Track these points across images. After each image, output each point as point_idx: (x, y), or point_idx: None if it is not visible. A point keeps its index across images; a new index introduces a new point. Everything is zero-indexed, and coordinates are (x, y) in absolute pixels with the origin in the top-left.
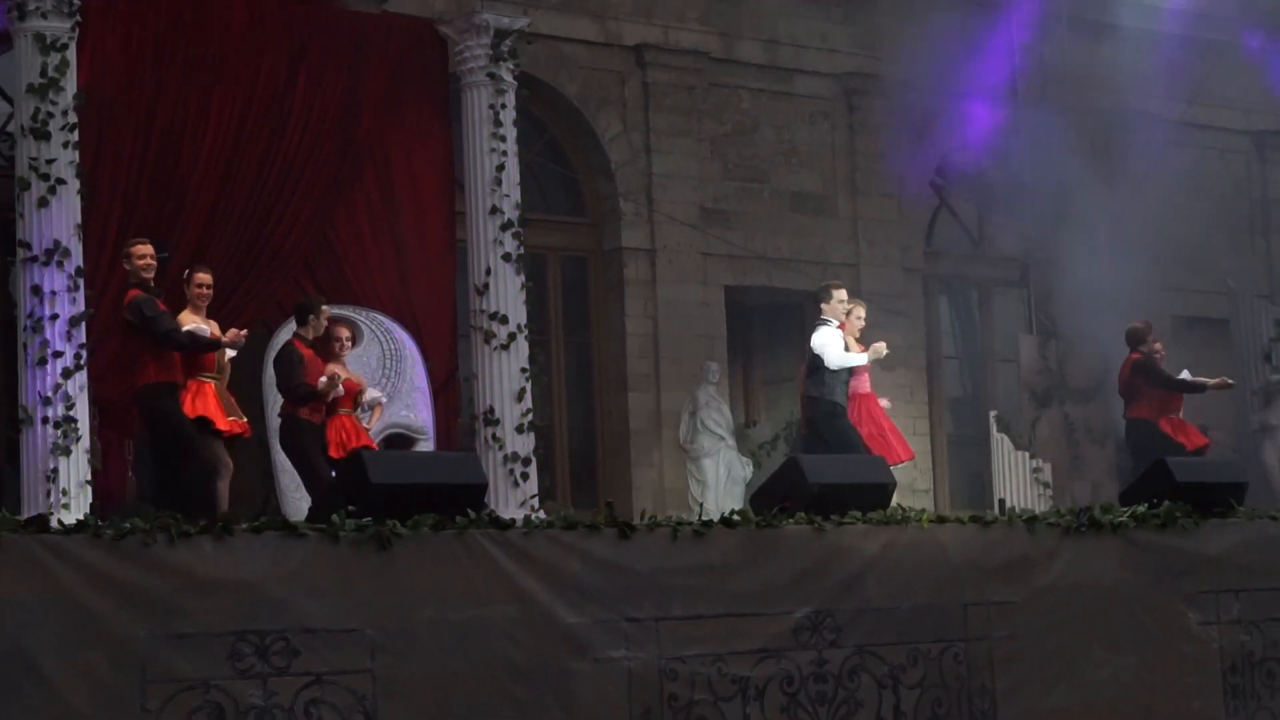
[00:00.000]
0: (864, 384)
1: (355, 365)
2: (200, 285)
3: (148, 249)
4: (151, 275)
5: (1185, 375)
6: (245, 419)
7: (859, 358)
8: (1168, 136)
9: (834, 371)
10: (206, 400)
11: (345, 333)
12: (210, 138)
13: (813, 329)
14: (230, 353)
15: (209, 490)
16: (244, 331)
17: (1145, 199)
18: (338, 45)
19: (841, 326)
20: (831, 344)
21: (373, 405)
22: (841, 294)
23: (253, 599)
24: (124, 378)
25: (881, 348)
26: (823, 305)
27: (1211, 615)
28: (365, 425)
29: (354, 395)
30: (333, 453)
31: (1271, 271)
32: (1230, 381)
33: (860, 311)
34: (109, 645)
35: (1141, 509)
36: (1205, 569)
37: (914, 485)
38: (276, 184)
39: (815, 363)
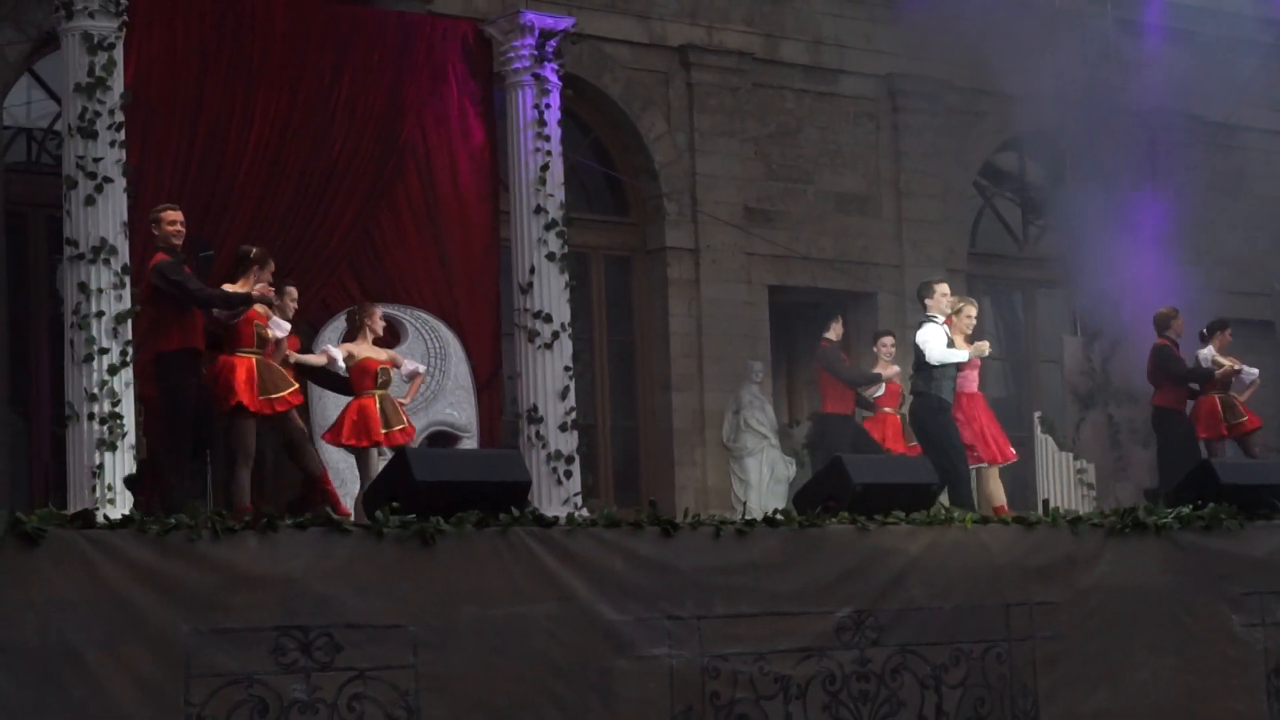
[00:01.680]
0: (970, 382)
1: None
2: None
3: (177, 215)
4: (180, 242)
5: (1205, 358)
6: (293, 388)
7: (961, 354)
8: (1212, 138)
9: (940, 367)
10: (238, 378)
11: (377, 313)
12: (254, 137)
13: (917, 325)
14: (278, 332)
15: (229, 477)
16: (270, 288)
17: (1189, 201)
18: (381, 46)
19: (948, 322)
20: (933, 339)
21: (412, 377)
22: (944, 288)
23: (296, 594)
24: (148, 341)
25: (984, 346)
26: (926, 301)
27: (1255, 617)
28: (403, 400)
29: (374, 374)
30: (349, 439)
31: None
32: (1238, 367)
33: (971, 310)
34: (153, 640)
35: (1186, 510)
36: (1249, 571)
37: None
38: (320, 184)
39: (919, 358)
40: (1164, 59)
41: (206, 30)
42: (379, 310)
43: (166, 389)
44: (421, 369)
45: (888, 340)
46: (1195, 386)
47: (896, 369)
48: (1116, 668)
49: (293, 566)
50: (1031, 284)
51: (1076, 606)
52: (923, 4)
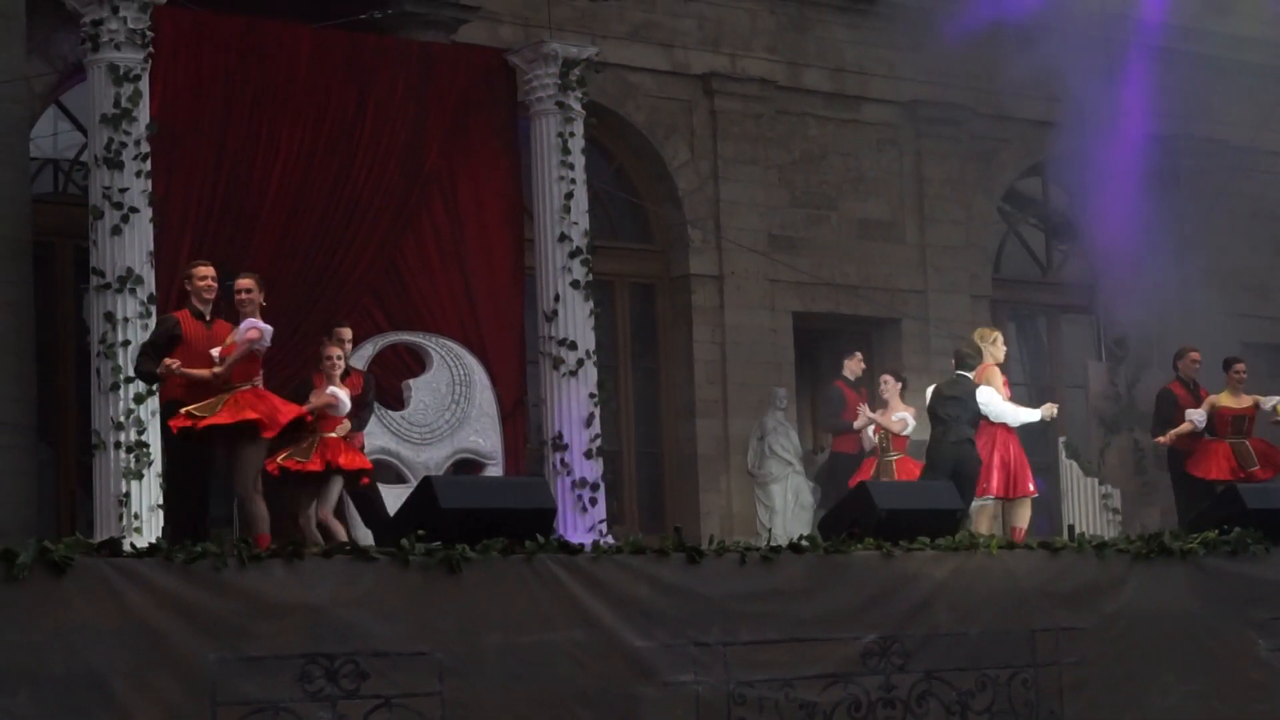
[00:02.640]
0: None
1: (426, 391)
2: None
3: (208, 271)
4: (211, 297)
5: (1195, 419)
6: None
7: (1033, 414)
8: (1236, 163)
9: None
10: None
11: (336, 351)
12: (279, 167)
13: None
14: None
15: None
16: (176, 363)
17: (1213, 225)
18: (406, 76)
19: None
20: (994, 401)
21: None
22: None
23: (322, 622)
24: None
25: (1053, 409)
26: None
27: None
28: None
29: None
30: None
31: None
32: (1258, 404)
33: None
34: (179, 668)
35: (1212, 535)
36: (1275, 596)
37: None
38: (345, 213)
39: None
40: (1186, 84)
41: (231, 61)
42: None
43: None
44: (335, 400)
45: (888, 379)
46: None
47: (870, 418)
48: (1142, 693)
49: (319, 594)
50: (1055, 309)
51: (1102, 632)
52: (949, 30)
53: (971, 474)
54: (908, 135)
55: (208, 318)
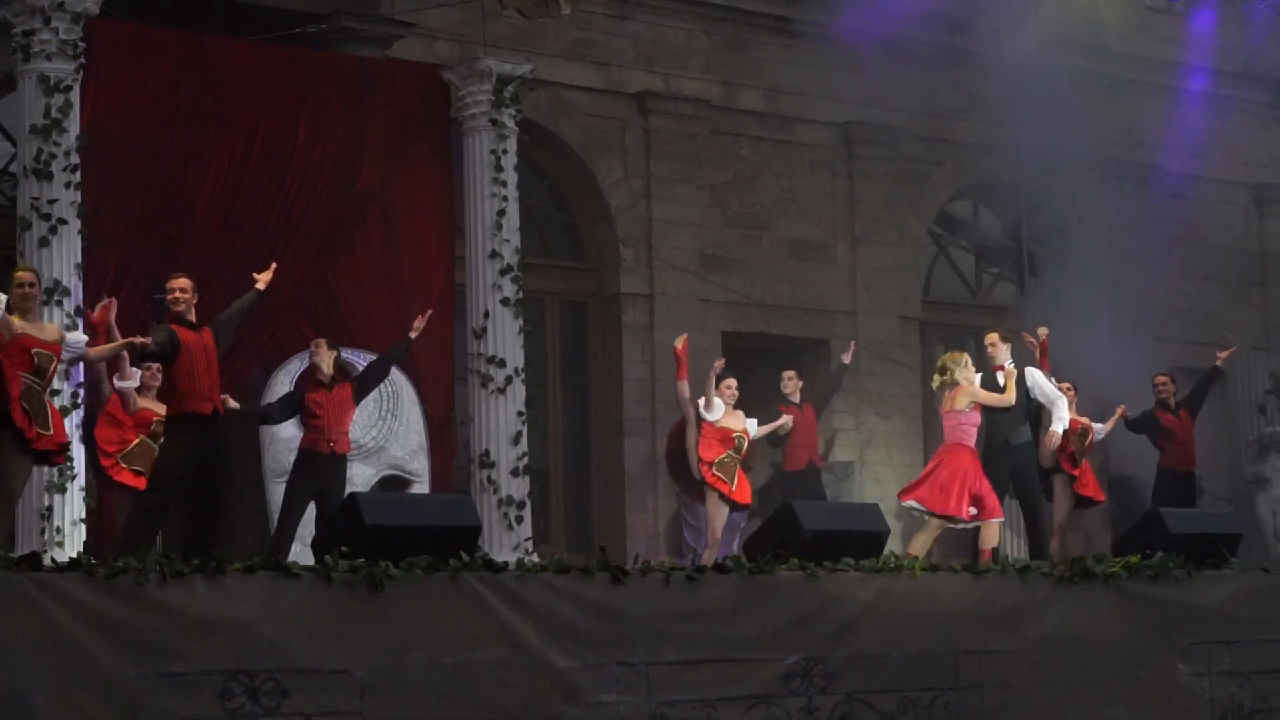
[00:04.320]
0: (957, 433)
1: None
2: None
3: (177, 283)
4: (182, 309)
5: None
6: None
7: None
8: (1168, 188)
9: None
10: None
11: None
12: (212, 181)
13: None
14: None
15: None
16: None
17: (1144, 250)
18: (340, 91)
19: (999, 368)
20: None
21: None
22: (989, 336)
23: (244, 639)
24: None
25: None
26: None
27: (1203, 667)
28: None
29: None
30: None
31: (1268, 324)
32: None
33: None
34: (100, 684)
35: (1134, 559)
36: (1197, 620)
37: (907, 533)
38: (278, 228)
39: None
40: (1122, 110)
41: (165, 73)
42: None
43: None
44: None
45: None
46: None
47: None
48: (1065, 716)
49: (241, 610)
50: (984, 332)
51: (1025, 655)
52: (880, 53)
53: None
54: (840, 157)
55: (197, 325)
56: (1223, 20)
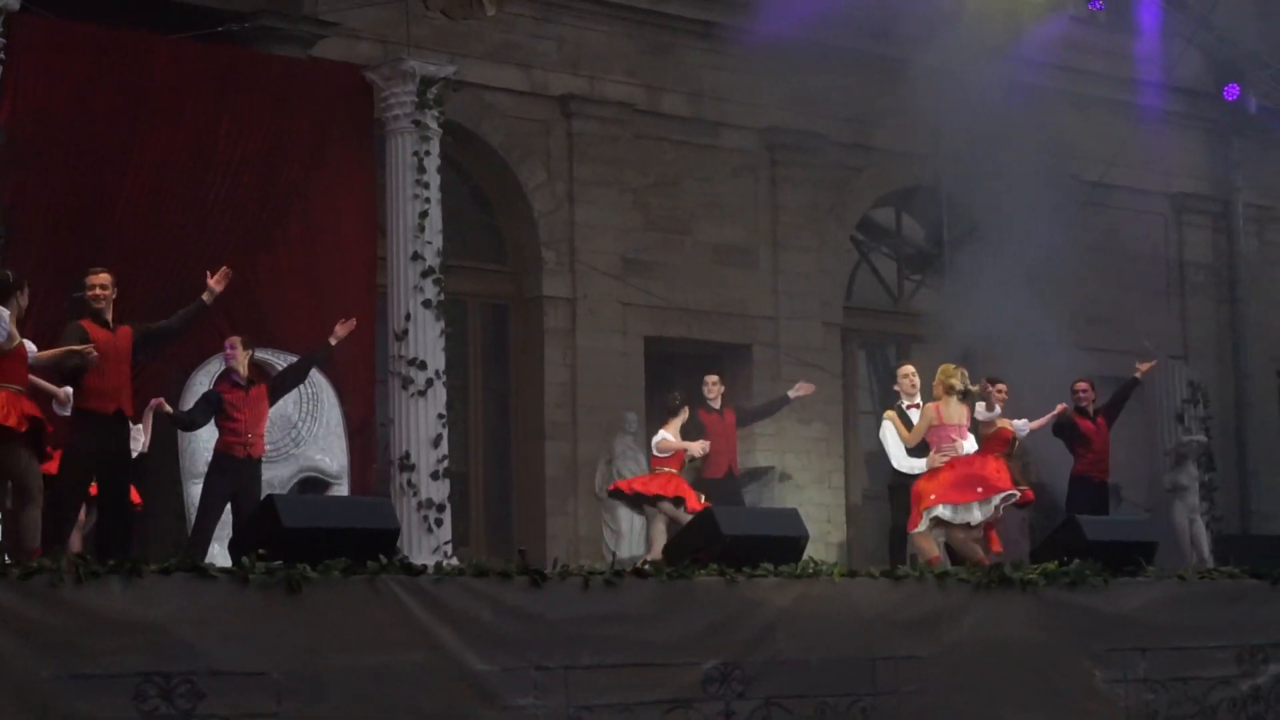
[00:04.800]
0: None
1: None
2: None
3: (96, 279)
4: (101, 306)
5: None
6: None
7: (919, 463)
8: (1086, 197)
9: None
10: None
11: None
12: (132, 178)
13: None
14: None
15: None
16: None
17: (1063, 259)
18: (262, 90)
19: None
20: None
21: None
22: (904, 370)
23: (159, 640)
24: None
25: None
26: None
27: (1118, 673)
28: None
29: None
30: None
31: (1185, 333)
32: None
33: (906, 369)
34: (11, 685)
35: (1052, 566)
36: (1113, 627)
37: (827, 539)
38: (198, 227)
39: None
40: (1039, 118)
41: (86, 70)
42: None
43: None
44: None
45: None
46: None
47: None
48: None
49: (157, 612)
50: (906, 339)
51: (942, 661)
52: (803, 59)
53: None
54: (763, 162)
55: (112, 324)
56: (1144, 31)
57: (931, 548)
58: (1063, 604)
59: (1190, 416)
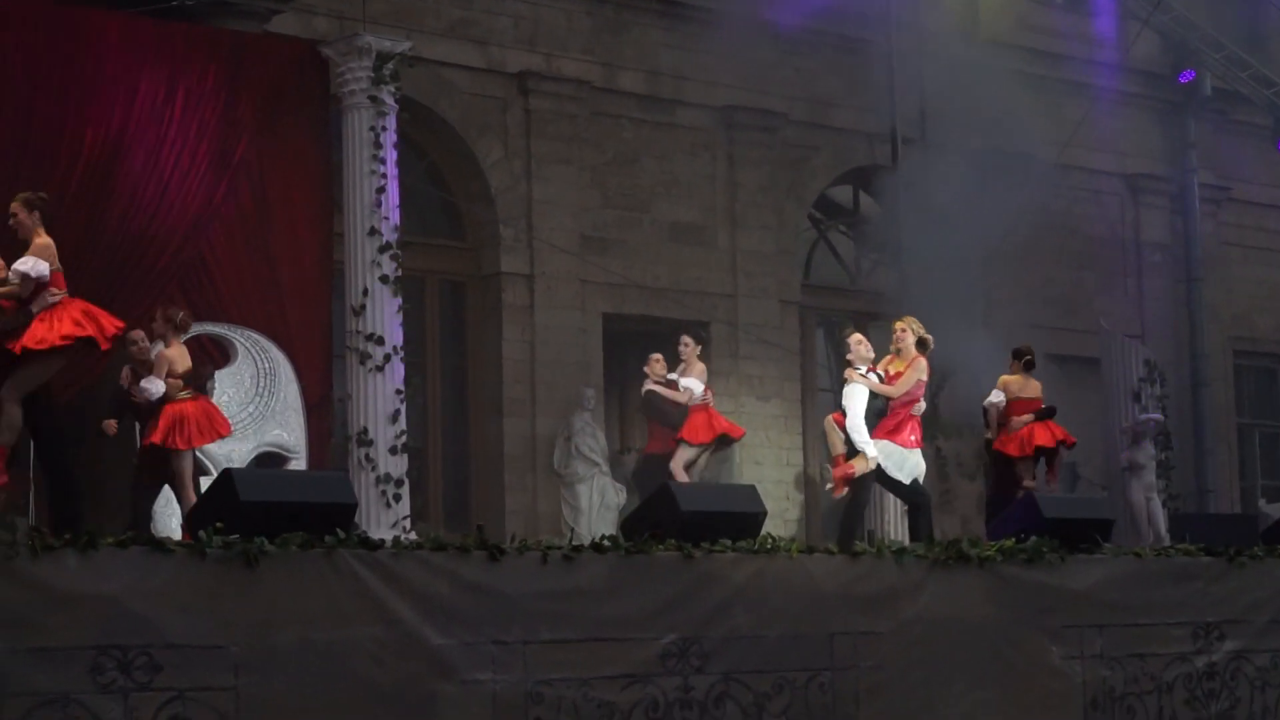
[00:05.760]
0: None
1: (229, 383)
2: None
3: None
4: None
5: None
6: None
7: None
8: (1043, 178)
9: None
10: None
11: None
12: (86, 154)
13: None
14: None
15: None
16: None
17: (1020, 239)
18: (217, 65)
19: (872, 368)
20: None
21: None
22: (855, 337)
23: (116, 614)
24: None
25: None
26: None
27: (1075, 650)
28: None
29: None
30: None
31: (1142, 312)
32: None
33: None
34: None
35: (1009, 543)
36: (1070, 604)
37: (785, 515)
38: (152, 202)
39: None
40: (995, 99)
41: (36, 46)
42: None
43: None
44: None
45: (688, 340)
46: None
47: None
48: (937, 699)
49: (113, 585)
50: (864, 316)
51: (899, 637)
52: (760, 37)
53: None
54: (721, 140)
55: None
56: (1100, 12)
57: None
58: (1019, 581)
59: (1147, 395)
